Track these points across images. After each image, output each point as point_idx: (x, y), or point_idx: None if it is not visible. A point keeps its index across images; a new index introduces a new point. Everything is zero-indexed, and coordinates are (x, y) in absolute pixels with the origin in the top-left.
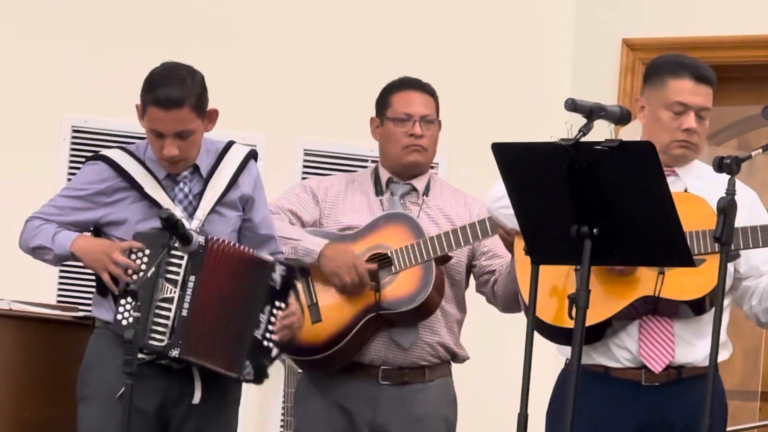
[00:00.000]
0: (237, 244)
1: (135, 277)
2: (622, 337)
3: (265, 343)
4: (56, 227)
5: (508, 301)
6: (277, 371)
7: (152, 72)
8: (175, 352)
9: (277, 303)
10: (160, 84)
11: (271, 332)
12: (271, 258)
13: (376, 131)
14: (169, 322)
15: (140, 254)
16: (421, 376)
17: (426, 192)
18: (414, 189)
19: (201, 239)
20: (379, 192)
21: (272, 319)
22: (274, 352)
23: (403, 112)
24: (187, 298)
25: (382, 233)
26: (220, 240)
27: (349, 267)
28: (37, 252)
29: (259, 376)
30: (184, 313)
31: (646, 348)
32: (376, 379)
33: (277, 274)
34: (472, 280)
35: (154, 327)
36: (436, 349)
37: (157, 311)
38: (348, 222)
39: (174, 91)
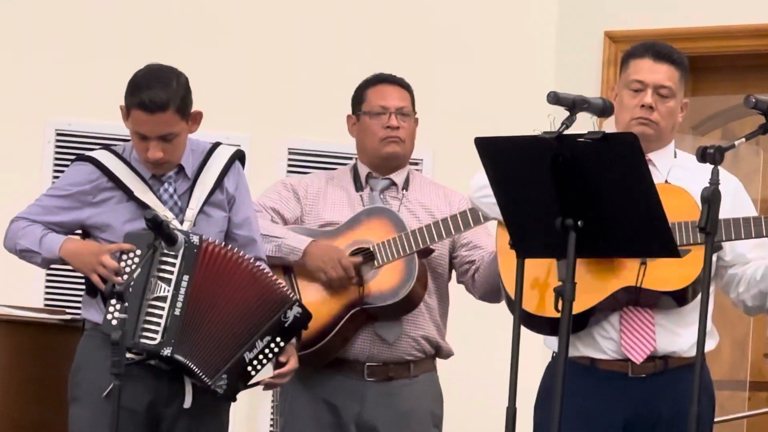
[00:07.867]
0: (257, 264)
1: (124, 277)
2: (606, 328)
3: (249, 368)
4: (42, 229)
5: (486, 291)
6: (266, 370)
7: (136, 74)
8: (166, 351)
9: (278, 339)
10: (144, 87)
11: (260, 362)
12: (295, 295)
13: (353, 128)
14: (162, 321)
15: (131, 255)
16: (407, 371)
17: (405, 186)
18: (393, 183)
19: (195, 239)
20: (358, 188)
21: (266, 351)
22: (253, 380)
23: (379, 105)
24: (180, 297)
25: (364, 228)
26: (216, 242)
27: (334, 262)
28: (24, 254)
29: (230, 394)
30: (177, 312)
31: (626, 338)
32: (362, 375)
33: (292, 313)
34: (454, 272)
35: (146, 326)
36: (420, 343)
37: (149, 310)
38: (329, 218)
39: (158, 94)
